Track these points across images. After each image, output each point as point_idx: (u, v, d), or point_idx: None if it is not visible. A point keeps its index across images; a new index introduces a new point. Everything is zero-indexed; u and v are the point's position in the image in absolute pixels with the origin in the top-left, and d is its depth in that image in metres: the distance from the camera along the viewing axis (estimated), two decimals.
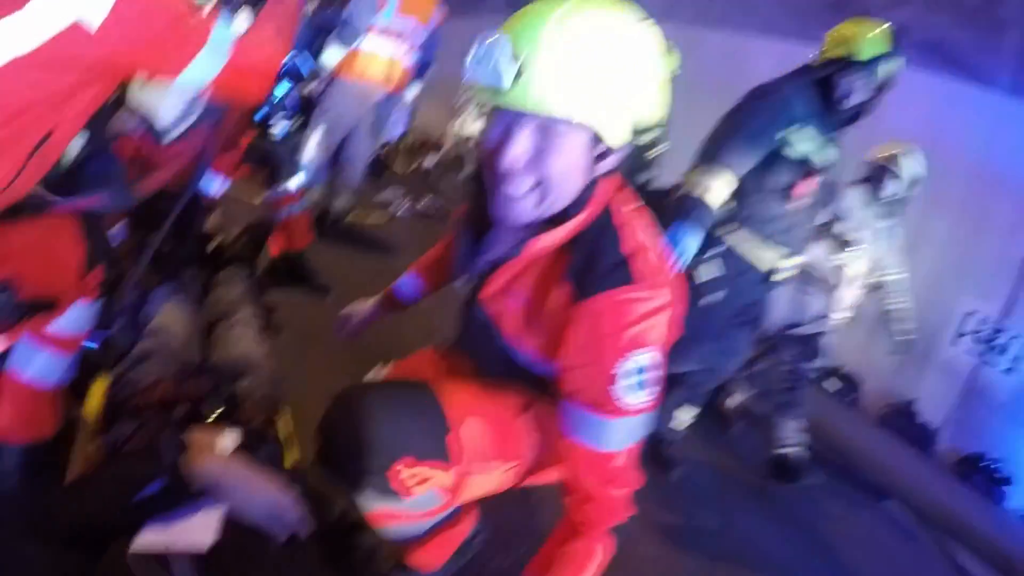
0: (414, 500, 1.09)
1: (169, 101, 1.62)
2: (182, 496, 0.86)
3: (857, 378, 4.26)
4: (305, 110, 4.16)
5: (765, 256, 2.09)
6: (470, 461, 1.09)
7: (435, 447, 1.06)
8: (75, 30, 0.81)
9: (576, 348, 0.95)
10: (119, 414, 1.27)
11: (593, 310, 0.92)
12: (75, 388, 1.50)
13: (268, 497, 0.91)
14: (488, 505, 1.39)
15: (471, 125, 6.40)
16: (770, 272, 2.12)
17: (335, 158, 3.35)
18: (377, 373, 1.37)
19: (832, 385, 4.22)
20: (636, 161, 3.58)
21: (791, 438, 2.64)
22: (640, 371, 0.92)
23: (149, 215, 2.30)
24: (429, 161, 6.73)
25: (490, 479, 1.16)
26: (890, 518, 2.96)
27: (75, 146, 1.13)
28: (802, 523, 2.50)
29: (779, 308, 2.64)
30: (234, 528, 0.87)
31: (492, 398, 1.17)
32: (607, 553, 1.05)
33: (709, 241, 1.99)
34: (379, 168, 5.48)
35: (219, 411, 1.21)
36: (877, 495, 3.05)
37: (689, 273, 2.02)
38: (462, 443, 1.08)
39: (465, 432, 1.08)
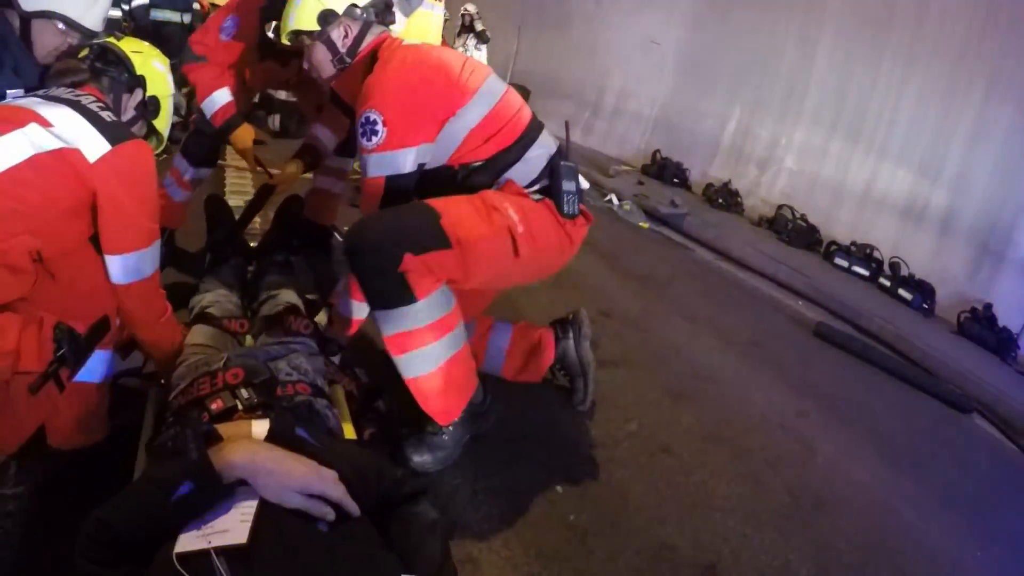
0: (428, 303, 1.31)
1: None
2: (214, 491, 0.81)
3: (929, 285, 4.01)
4: None
5: None
6: (464, 238, 1.32)
7: (434, 235, 1.30)
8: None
9: None
10: (165, 418, 1.25)
11: None
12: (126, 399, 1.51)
13: (305, 479, 0.85)
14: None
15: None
16: None
17: None
18: None
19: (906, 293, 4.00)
20: None
21: None
22: None
23: None
24: None
25: (490, 253, 1.37)
26: (976, 431, 2.79)
27: None
28: (890, 438, 2.39)
29: None
30: (276, 516, 0.82)
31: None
32: None
33: None
34: None
35: (258, 393, 1.17)
36: (961, 408, 2.88)
37: None
38: (452, 224, 1.32)
39: (452, 213, 1.33)
